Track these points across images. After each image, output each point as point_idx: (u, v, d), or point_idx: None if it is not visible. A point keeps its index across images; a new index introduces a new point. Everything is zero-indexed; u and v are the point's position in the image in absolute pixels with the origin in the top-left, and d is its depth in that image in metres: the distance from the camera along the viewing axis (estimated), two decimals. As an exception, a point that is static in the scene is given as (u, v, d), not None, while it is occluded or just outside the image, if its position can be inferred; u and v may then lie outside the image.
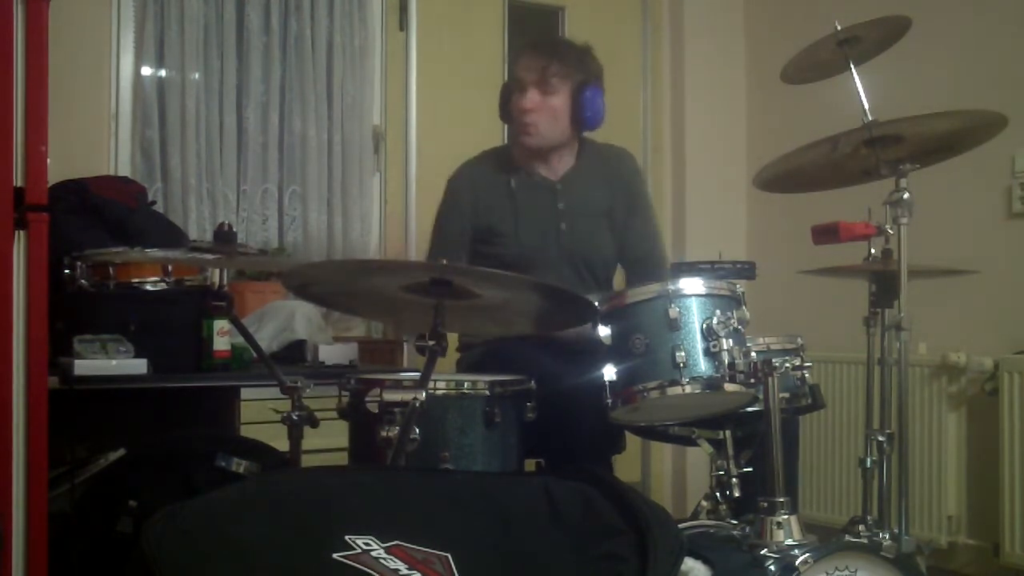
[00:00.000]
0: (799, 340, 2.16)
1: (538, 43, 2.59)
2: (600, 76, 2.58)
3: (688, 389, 1.90)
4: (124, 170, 3.39)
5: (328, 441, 2.19)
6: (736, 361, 1.91)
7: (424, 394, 1.74)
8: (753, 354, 1.94)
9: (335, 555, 1.41)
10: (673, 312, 1.91)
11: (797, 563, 1.79)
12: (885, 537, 2.17)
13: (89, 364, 2.49)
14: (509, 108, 2.57)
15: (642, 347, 1.93)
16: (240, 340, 2.52)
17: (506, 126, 3.95)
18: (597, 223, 2.64)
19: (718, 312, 1.93)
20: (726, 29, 4.49)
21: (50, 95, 1.90)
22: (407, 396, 1.75)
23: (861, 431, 2.38)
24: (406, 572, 1.42)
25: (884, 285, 2.26)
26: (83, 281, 2.64)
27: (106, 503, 2.27)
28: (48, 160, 1.91)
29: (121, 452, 2.52)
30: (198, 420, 2.96)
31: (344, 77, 3.75)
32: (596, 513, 1.64)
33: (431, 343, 1.75)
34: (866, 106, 2.17)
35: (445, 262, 1.81)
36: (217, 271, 2.42)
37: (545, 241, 2.57)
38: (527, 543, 1.57)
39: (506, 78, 4.03)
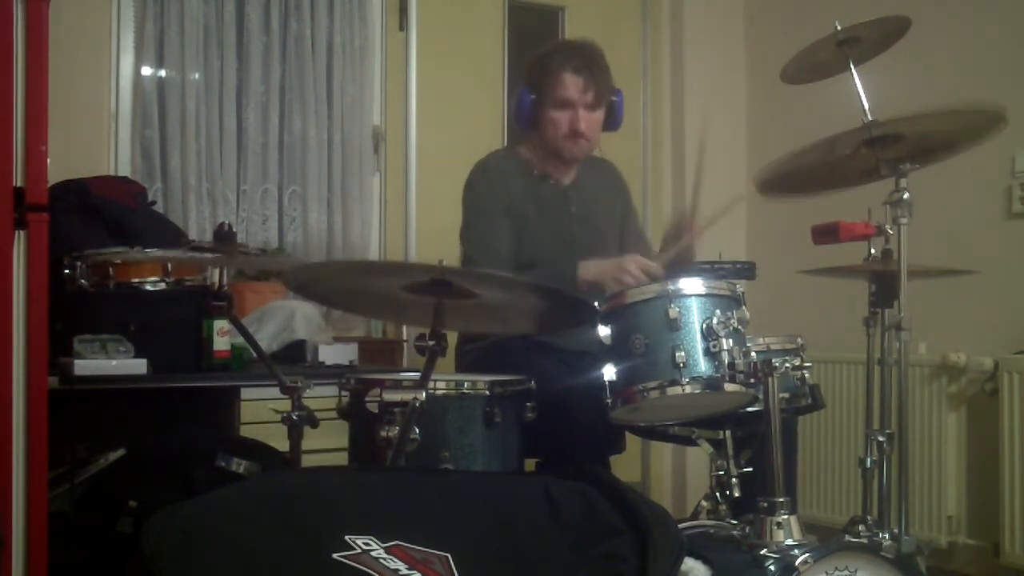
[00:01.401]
0: (799, 340, 2.16)
1: (578, 62, 2.51)
2: None
3: (688, 389, 1.90)
4: (124, 170, 3.39)
5: (328, 441, 2.19)
6: (736, 361, 1.91)
7: (424, 394, 1.74)
8: (753, 354, 1.94)
9: (335, 555, 1.41)
10: (673, 312, 1.91)
11: (797, 563, 1.79)
12: (885, 537, 2.17)
13: (89, 364, 2.50)
14: (540, 120, 2.55)
15: (642, 347, 1.93)
16: (240, 340, 2.52)
17: (506, 126, 4.00)
18: (605, 228, 2.66)
19: (718, 312, 1.93)
20: (726, 29, 4.49)
21: (50, 95, 1.90)
22: (407, 396, 1.75)
23: (861, 431, 2.38)
24: (406, 572, 1.42)
25: (884, 285, 2.26)
26: (83, 281, 2.64)
27: (106, 503, 2.27)
28: (48, 160, 1.91)
29: (121, 452, 2.52)
30: (198, 420, 2.96)
31: (344, 77, 3.75)
32: (596, 513, 1.64)
33: (431, 343, 1.75)
34: (866, 106, 2.17)
35: (444, 261, 1.81)
36: (217, 271, 2.43)
37: (559, 245, 2.57)
38: (527, 543, 1.57)
39: (506, 78, 4.08)
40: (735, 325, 1.93)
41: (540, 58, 2.57)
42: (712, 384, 1.91)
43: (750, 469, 2.12)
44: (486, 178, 2.60)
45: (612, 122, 2.60)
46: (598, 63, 2.53)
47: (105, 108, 3.38)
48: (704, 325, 1.92)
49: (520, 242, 2.55)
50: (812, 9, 3.75)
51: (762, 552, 1.85)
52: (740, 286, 2.03)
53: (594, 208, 2.65)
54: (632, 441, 2.56)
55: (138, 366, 2.57)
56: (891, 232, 2.18)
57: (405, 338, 3.75)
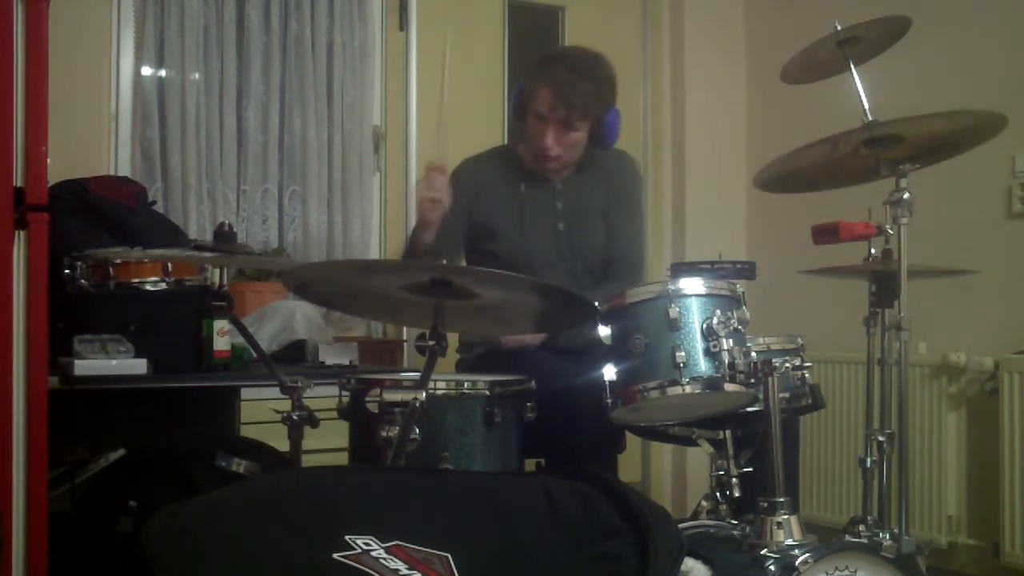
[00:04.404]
0: (799, 340, 2.16)
1: (558, 79, 2.42)
2: (614, 88, 2.51)
3: (688, 389, 1.90)
4: (124, 170, 3.39)
5: (328, 441, 2.19)
6: (736, 361, 1.91)
7: (424, 394, 1.74)
8: (753, 354, 1.94)
9: (335, 555, 1.41)
10: (673, 312, 1.91)
11: (797, 563, 1.79)
12: (885, 537, 2.17)
13: (89, 364, 2.50)
14: (526, 119, 2.53)
15: (642, 347, 1.93)
16: (240, 340, 2.52)
17: (506, 126, 4.00)
18: (594, 223, 2.64)
19: (718, 312, 1.93)
20: (726, 29, 4.49)
21: (50, 95, 1.90)
22: (407, 396, 1.74)
23: (861, 431, 2.38)
24: (406, 572, 1.42)
25: (884, 285, 2.26)
26: (83, 281, 2.64)
27: (106, 503, 2.27)
28: (48, 160, 1.90)
29: (121, 452, 2.52)
30: (198, 420, 2.96)
31: (344, 77, 3.75)
32: (596, 513, 1.64)
33: (431, 343, 1.75)
34: (866, 106, 2.17)
35: (445, 262, 1.81)
36: (217, 271, 2.43)
37: (543, 241, 2.57)
38: (527, 543, 1.57)
39: (506, 78, 4.08)
40: (735, 325, 1.93)
41: (539, 59, 2.55)
42: (712, 384, 1.91)
43: (750, 469, 2.12)
44: (455, 180, 2.56)
45: (598, 140, 2.53)
46: (584, 83, 2.43)
47: (105, 108, 3.38)
48: (704, 325, 1.92)
49: (505, 238, 2.55)
50: (812, 9, 3.75)
51: (762, 552, 1.85)
52: (740, 286, 2.02)
53: (582, 203, 2.63)
54: (632, 441, 2.56)
55: (138, 366, 2.57)
56: (891, 232, 2.19)
57: (405, 338, 3.75)
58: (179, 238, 3.07)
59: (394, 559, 1.43)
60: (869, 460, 2.29)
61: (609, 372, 1.96)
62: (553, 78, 2.44)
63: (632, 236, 2.69)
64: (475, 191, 2.58)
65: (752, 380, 1.92)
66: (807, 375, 2.14)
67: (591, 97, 2.45)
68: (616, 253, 2.64)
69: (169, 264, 2.72)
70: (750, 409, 2.05)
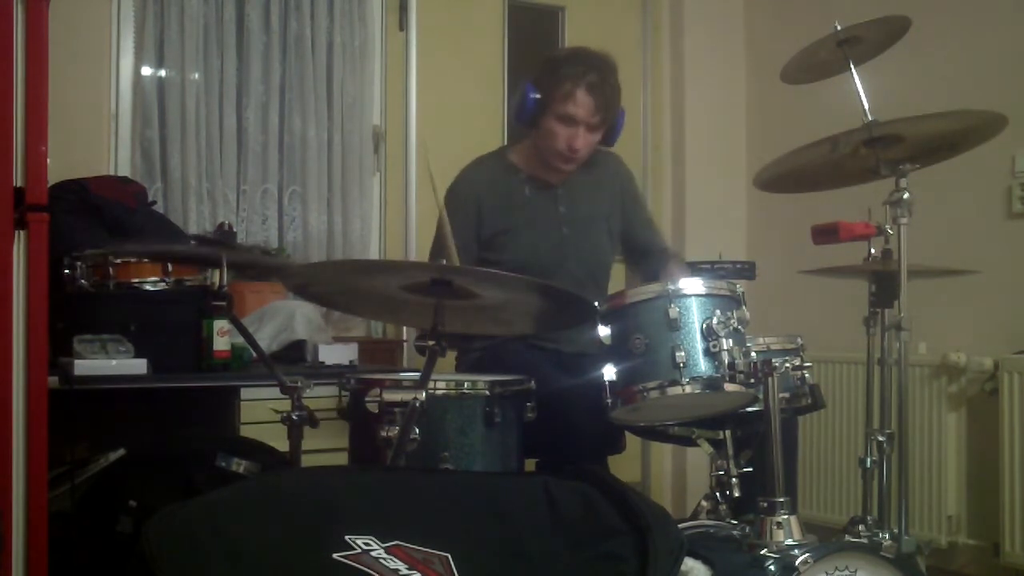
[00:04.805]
0: (799, 340, 2.16)
1: (594, 79, 2.44)
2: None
3: (688, 389, 1.90)
4: (124, 170, 3.39)
5: (328, 441, 2.19)
6: (736, 361, 1.91)
7: (424, 394, 1.74)
8: (753, 354, 1.94)
9: (335, 555, 1.41)
10: (673, 312, 1.91)
11: (797, 563, 1.79)
12: (885, 537, 2.17)
13: (89, 364, 2.50)
14: (539, 123, 2.51)
15: (642, 347, 1.93)
16: (240, 340, 2.53)
17: (506, 126, 4.00)
18: (597, 228, 2.65)
19: (718, 312, 1.93)
20: (726, 29, 4.49)
21: (50, 95, 1.90)
22: (407, 396, 1.75)
23: (861, 431, 2.38)
24: (406, 572, 1.42)
25: (884, 285, 2.26)
26: (83, 281, 2.64)
27: (106, 503, 2.27)
28: (48, 160, 1.91)
29: (121, 452, 2.52)
30: (198, 420, 2.96)
31: (344, 77, 3.75)
32: (596, 513, 1.64)
33: (431, 343, 1.75)
34: (866, 106, 2.17)
35: (444, 262, 1.82)
36: (217, 271, 2.43)
37: (547, 246, 2.57)
38: (527, 543, 1.57)
39: (506, 78, 4.08)
40: (735, 325, 1.93)
41: (555, 62, 2.51)
42: (712, 384, 1.91)
43: (750, 469, 2.12)
44: (456, 194, 2.57)
45: (608, 140, 2.57)
46: (611, 82, 2.48)
47: (105, 108, 3.38)
48: (704, 325, 1.92)
49: (510, 246, 2.55)
50: (812, 9, 3.75)
51: (762, 552, 1.85)
52: (740, 286, 2.02)
53: (585, 207, 2.63)
54: (632, 441, 2.56)
55: (138, 366, 2.57)
56: (891, 232, 2.19)
57: (405, 338, 3.75)
58: (179, 238, 3.07)
59: (394, 559, 1.43)
60: (869, 460, 2.29)
61: (609, 372, 1.96)
62: (588, 79, 2.44)
63: (650, 225, 2.84)
64: (478, 202, 2.57)
65: (752, 380, 1.92)
66: (807, 375, 2.14)
67: (616, 97, 2.50)
68: (643, 245, 2.75)
69: (169, 264, 2.72)
70: (750, 409, 2.05)
